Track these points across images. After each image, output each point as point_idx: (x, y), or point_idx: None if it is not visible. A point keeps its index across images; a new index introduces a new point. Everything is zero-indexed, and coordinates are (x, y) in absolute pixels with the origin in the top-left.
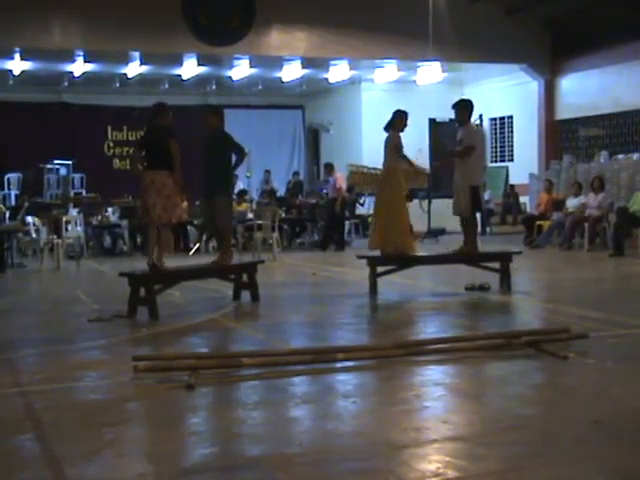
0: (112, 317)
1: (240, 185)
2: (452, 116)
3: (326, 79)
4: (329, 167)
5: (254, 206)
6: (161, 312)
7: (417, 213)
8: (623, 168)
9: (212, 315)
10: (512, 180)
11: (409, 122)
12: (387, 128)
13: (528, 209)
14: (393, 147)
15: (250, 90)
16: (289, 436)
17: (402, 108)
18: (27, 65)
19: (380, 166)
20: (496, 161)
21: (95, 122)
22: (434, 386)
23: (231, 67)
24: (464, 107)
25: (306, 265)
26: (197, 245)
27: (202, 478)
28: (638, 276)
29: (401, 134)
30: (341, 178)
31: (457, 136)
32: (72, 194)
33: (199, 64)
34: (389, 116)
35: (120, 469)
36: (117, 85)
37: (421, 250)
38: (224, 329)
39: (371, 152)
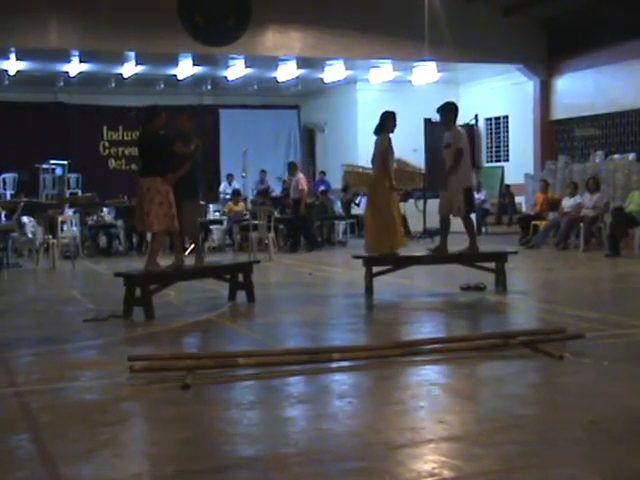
0: (108, 317)
1: (235, 185)
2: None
3: (321, 79)
4: (293, 167)
5: (250, 206)
6: (157, 312)
7: (413, 213)
8: (619, 168)
9: (208, 315)
10: (508, 180)
11: (405, 122)
12: (377, 131)
13: (524, 209)
14: (380, 152)
15: (245, 90)
16: (285, 436)
17: (390, 109)
18: (22, 65)
19: None
20: (492, 161)
21: (91, 122)
22: (430, 386)
23: (226, 67)
24: (449, 110)
25: (302, 265)
26: (192, 245)
27: (197, 478)
28: (634, 276)
29: (392, 135)
30: (304, 179)
31: (444, 140)
32: (68, 194)
33: (194, 64)
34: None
35: (116, 469)
36: (113, 85)
37: (417, 250)
38: (220, 329)
39: (366, 152)
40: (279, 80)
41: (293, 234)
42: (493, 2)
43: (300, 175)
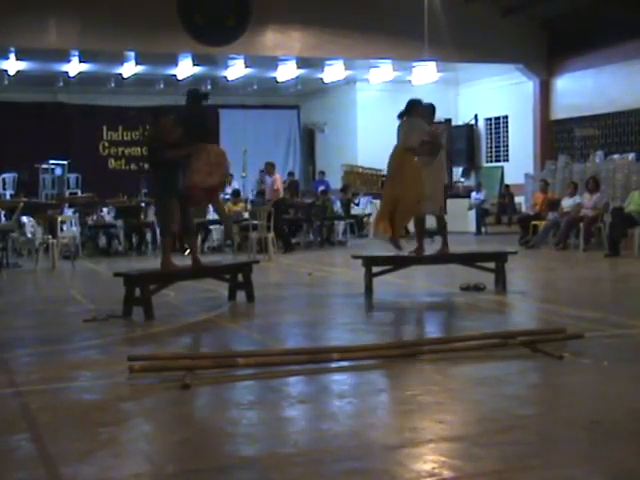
0: (107, 317)
1: (235, 185)
2: (447, 116)
3: (321, 79)
4: (269, 166)
5: (249, 206)
6: (156, 312)
7: None
8: (618, 168)
9: (207, 315)
10: (507, 180)
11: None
12: (404, 115)
13: (523, 209)
14: (419, 131)
15: (245, 90)
16: (284, 436)
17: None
18: (22, 65)
19: (374, 166)
20: (491, 161)
21: (90, 122)
22: (430, 386)
23: (226, 67)
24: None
25: (302, 265)
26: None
27: (197, 478)
28: (633, 276)
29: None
30: (280, 179)
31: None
32: (67, 194)
33: (194, 64)
34: (384, 116)
35: (115, 469)
36: (112, 85)
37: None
38: (219, 329)
39: (366, 152)
40: (279, 80)
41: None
42: (493, 2)
43: (277, 175)
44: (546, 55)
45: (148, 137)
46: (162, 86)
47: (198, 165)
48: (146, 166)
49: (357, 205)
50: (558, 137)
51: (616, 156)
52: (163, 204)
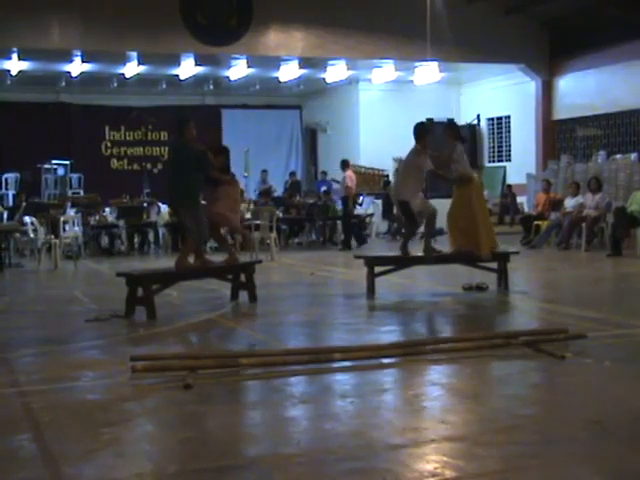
0: (110, 317)
1: None
2: (449, 116)
3: (323, 79)
4: (344, 163)
5: (252, 206)
6: (159, 312)
7: None
8: (621, 168)
9: (210, 315)
10: (509, 180)
11: (407, 122)
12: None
13: (526, 209)
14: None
15: (247, 90)
16: (287, 436)
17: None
18: (25, 65)
19: (377, 166)
20: (494, 161)
21: (93, 122)
22: (432, 386)
23: (229, 67)
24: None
25: (304, 265)
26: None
27: (200, 478)
28: (636, 276)
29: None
30: (351, 177)
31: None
32: (70, 194)
33: (197, 64)
34: (386, 116)
35: (117, 469)
36: (115, 85)
37: (419, 250)
38: (222, 329)
39: (368, 152)
40: (281, 80)
41: (347, 232)
42: (495, 2)
43: (348, 172)
44: (548, 55)
45: (177, 146)
46: (164, 86)
47: (226, 202)
48: (148, 166)
49: (360, 205)
50: (560, 137)
51: (618, 156)
52: (199, 209)
